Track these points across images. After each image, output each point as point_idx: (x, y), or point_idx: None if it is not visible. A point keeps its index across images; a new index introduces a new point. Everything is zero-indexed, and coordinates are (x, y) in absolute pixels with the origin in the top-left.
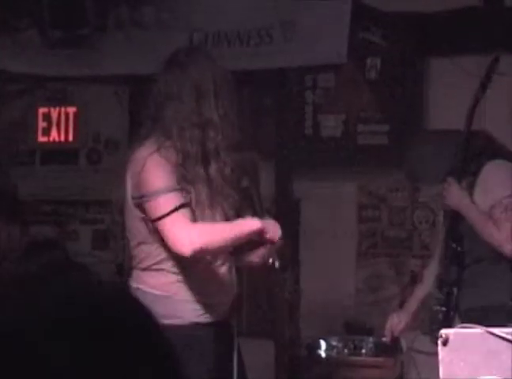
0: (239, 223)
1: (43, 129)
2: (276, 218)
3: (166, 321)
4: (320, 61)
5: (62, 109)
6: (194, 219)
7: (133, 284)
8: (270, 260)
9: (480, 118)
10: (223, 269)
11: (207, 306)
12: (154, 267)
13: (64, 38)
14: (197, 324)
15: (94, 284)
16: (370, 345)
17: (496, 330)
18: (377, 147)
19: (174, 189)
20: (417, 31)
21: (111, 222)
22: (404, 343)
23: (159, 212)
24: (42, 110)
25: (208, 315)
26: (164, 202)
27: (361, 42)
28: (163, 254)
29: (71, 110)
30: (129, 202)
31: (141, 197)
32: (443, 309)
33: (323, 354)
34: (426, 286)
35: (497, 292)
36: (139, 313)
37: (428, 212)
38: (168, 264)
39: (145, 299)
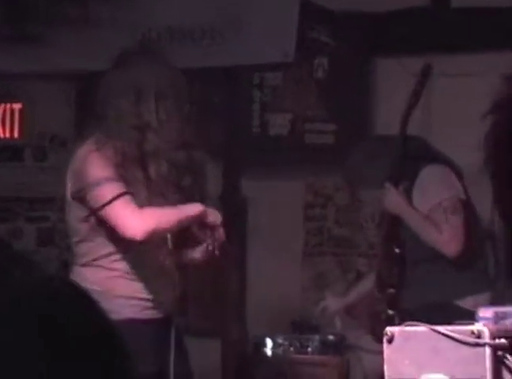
0: (183, 207)
1: None
2: (224, 216)
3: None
4: (268, 60)
5: (8, 105)
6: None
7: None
8: (210, 248)
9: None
10: (164, 266)
11: (146, 302)
12: (93, 263)
13: (13, 34)
14: (135, 320)
15: (42, 280)
16: (317, 343)
17: (441, 328)
18: (324, 146)
19: (115, 180)
20: (365, 30)
21: (57, 219)
22: (338, 322)
23: (103, 199)
24: None
25: (147, 311)
26: (108, 189)
27: (309, 41)
28: (103, 251)
29: (16, 106)
30: (69, 199)
31: (82, 189)
32: (385, 309)
33: (269, 353)
34: (367, 282)
35: (438, 291)
36: (87, 308)
37: (374, 211)
38: (107, 261)
39: None
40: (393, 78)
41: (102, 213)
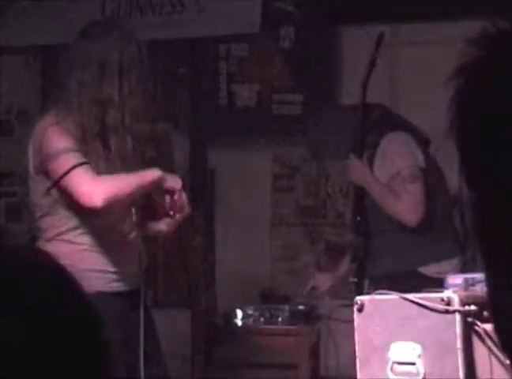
0: (141, 173)
1: None
2: (191, 188)
3: None
4: (233, 31)
5: None
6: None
7: None
8: (171, 213)
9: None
10: (130, 238)
11: (113, 275)
12: (58, 237)
13: None
14: (101, 293)
15: (11, 249)
16: (286, 313)
17: (410, 296)
18: (291, 116)
19: (74, 150)
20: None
21: (25, 194)
22: (327, 299)
23: (62, 169)
24: None
25: (114, 284)
26: (66, 159)
27: (274, 11)
28: (67, 225)
29: None
30: (32, 173)
31: (42, 162)
32: (355, 279)
33: (239, 323)
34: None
35: (402, 260)
36: (59, 276)
37: (341, 181)
38: (72, 235)
39: None
40: (358, 47)
41: (61, 184)
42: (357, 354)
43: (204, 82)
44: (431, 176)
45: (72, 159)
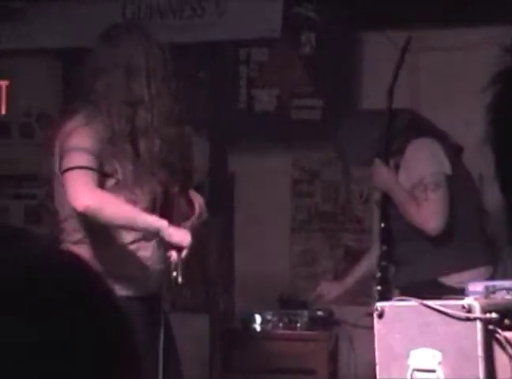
0: (146, 215)
1: None
2: (211, 192)
3: None
4: (254, 35)
5: None
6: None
7: None
8: (174, 274)
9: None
10: (149, 244)
11: (136, 280)
12: (85, 240)
13: None
14: (124, 298)
15: (45, 253)
16: (305, 319)
17: (431, 302)
18: (310, 122)
19: (91, 153)
20: (352, 5)
21: (45, 196)
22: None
23: (68, 164)
24: None
25: (137, 288)
26: (75, 157)
27: (295, 16)
28: (93, 228)
29: (3, 83)
30: (58, 174)
31: (62, 156)
32: (378, 287)
33: (258, 328)
34: (363, 266)
35: (424, 269)
36: (92, 280)
37: (362, 187)
38: (98, 239)
39: None
40: (380, 52)
41: (63, 177)
42: (377, 360)
43: (224, 86)
44: (458, 183)
45: (81, 158)
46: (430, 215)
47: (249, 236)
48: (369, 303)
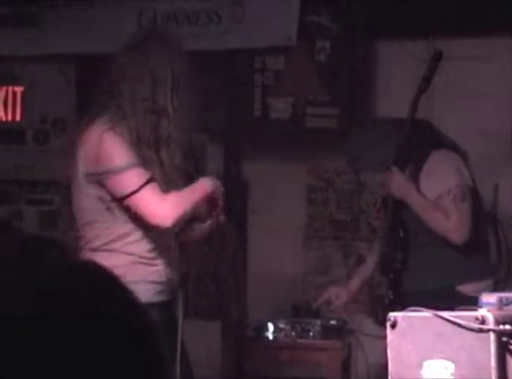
0: (195, 187)
1: None
2: (225, 200)
3: None
4: (269, 43)
5: (10, 88)
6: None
7: None
8: (221, 217)
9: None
10: (170, 248)
11: (158, 285)
12: (105, 247)
13: (11, 15)
14: (147, 304)
15: (74, 264)
16: (318, 328)
17: (444, 313)
18: (325, 130)
19: (138, 164)
20: (367, 13)
21: (59, 202)
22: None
23: (129, 188)
24: None
25: (158, 294)
26: (133, 177)
27: (311, 24)
28: (114, 234)
29: (19, 89)
30: (81, 179)
31: (102, 173)
32: (389, 293)
33: (270, 337)
34: (368, 267)
35: (440, 276)
36: (120, 292)
37: (375, 196)
38: (120, 244)
39: None
40: (395, 61)
41: (128, 201)
42: (389, 370)
43: (239, 94)
44: (474, 194)
45: (139, 176)
46: (458, 225)
47: (262, 244)
48: (378, 313)
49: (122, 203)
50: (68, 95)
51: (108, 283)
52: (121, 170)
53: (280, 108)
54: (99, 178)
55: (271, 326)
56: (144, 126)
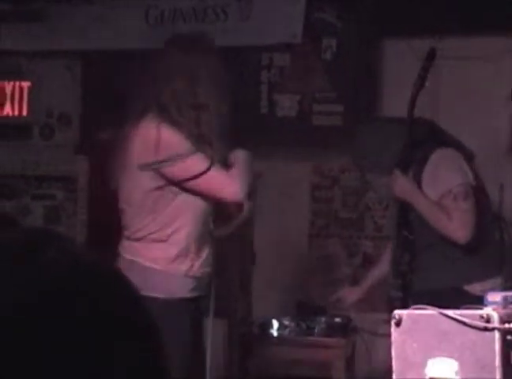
0: (244, 160)
1: None
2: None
3: (157, 295)
4: (275, 41)
5: (17, 83)
6: None
7: (127, 256)
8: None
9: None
10: (208, 240)
11: (194, 281)
12: (150, 237)
13: (15, 11)
14: (181, 300)
15: (77, 259)
16: (323, 325)
17: (449, 311)
18: (331, 127)
19: (197, 150)
20: (373, 11)
21: (64, 198)
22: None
23: (197, 169)
24: None
25: (192, 289)
26: (198, 159)
27: (317, 22)
28: (160, 224)
29: (25, 84)
30: (135, 171)
31: (163, 161)
32: (399, 293)
33: (275, 334)
34: (382, 266)
35: (447, 276)
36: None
37: (381, 195)
38: (163, 235)
39: (139, 273)
40: (401, 59)
41: (197, 182)
42: (393, 369)
43: (245, 91)
44: (477, 192)
45: (203, 158)
46: (461, 224)
47: (267, 241)
48: (386, 310)
49: (186, 188)
50: (74, 91)
51: (113, 280)
52: (187, 154)
53: (287, 105)
54: (158, 166)
55: (275, 323)
56: (189, 121)
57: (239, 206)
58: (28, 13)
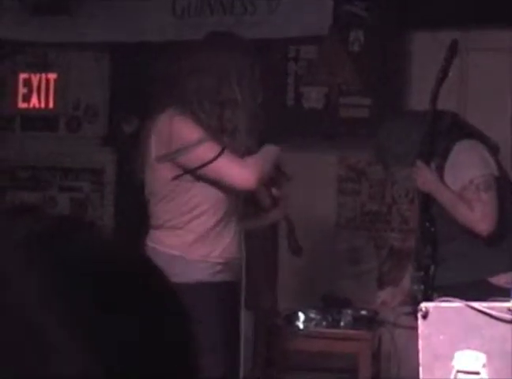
0: (268, 151)
1: (24, 95)
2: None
3: (178, 280)
4: (303, 33)
5: (43, 75)
6: None
7: (149, 243)
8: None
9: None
10: (233, 226)
11: (218, 266)
12: (168, 224)
13: (43, 3)
14: (204, 284)
15: (105, 245)
16: (349, 318)
17: (476, 304)
18: (358, 120)
19: (210, 139)
20: (401, 4)
21: (90, 190)
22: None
23: (208, 156)
24: (22, 76)
25: (218, 274)
26: (210, 147)
27: (344, 14)
28: (178, 212)
29: (52, 76)
30: (154, 163)
31: (175, 151)
32: (421, 287)
33: (301, 326)
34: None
35: (471, 269)
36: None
37: (407, 187)
38: (182, 221)
39: (159, 259)
40: (428, 52)
41: (208, 170)
42: (420, 361)
43: (272, 83)
44: (502, 184)
45: (214, 146)
46: (483, 215)
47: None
48: (408, 303)
49: (200, 176)
50: (100, 83)
51: (147, 263)
52: (199, 142)
53: (314, 97)
54: (172, 157)
55: (302, 315)
56: (211, 117)
57: (274, 200)
58: (55, 5)
